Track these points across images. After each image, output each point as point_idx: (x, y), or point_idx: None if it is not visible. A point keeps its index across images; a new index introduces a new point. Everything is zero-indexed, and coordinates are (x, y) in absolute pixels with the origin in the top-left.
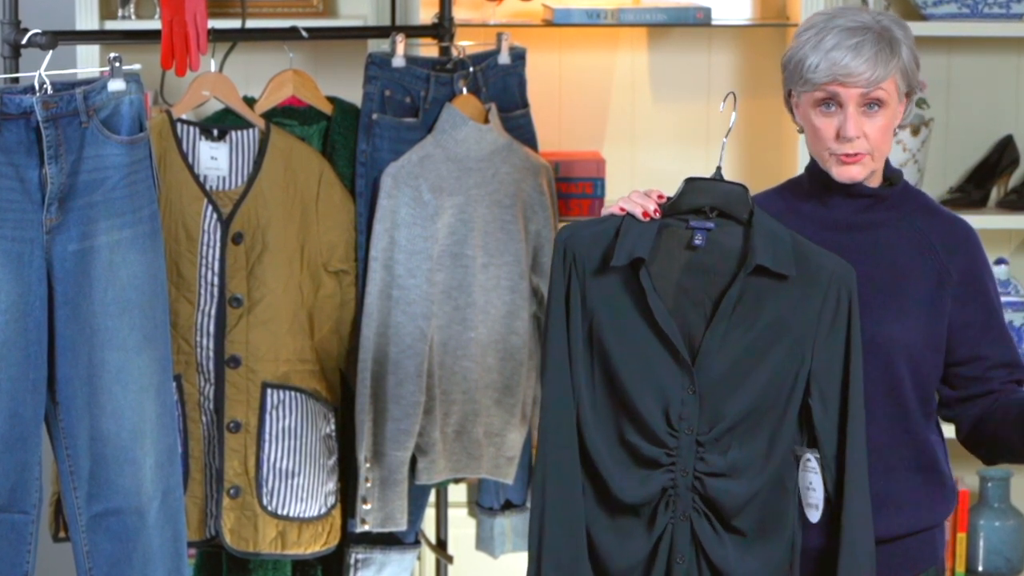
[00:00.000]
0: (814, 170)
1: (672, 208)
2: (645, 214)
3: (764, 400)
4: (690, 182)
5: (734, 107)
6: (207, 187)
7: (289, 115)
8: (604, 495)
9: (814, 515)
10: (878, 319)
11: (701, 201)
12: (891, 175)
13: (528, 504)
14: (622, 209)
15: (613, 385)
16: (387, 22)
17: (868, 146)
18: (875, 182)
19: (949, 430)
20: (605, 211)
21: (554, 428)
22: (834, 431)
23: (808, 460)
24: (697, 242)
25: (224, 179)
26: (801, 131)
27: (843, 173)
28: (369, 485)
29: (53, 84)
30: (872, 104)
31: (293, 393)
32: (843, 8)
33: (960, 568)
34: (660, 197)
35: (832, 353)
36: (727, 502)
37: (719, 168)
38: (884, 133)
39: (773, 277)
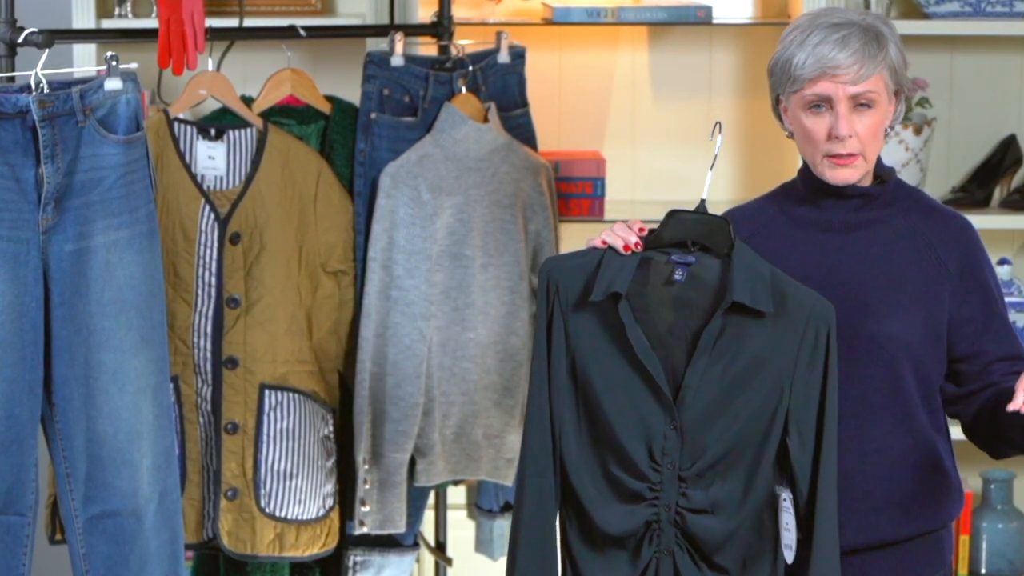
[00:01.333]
0: (806, 173)
1: (655, 241)
2: (626, 247)
3: (744, 436)
4: (673, 215)
5: (720, 134)
6: (204, 187)
7: (287, 114)
8: (589, 527)
9: (789, 555)
10: (877, 317)
11: (683, 235)
12: (883, 173)
13: None
14: (604, 242)
15: (596, 418)
16: (386, 21)
17: (860, 146)
18: (867, 181)
19: (956, 432)
20: (588, 244)
21: (532, 458)
22: (809, 469)
23: (784, 500)
24: (677, 277)
25: (221, 179)
26: (791, 136)
27: (836, 176)
28: (368, 487)
29: (49, 83)
30: (862, 104)
31: (291, 394)
32: (827, 8)
33: (963, 570)
34: (642, 230)
35: (810, 390)
36: (707, 539)
37: (703, 201)
38: (875, 133)
39: (752, 313)
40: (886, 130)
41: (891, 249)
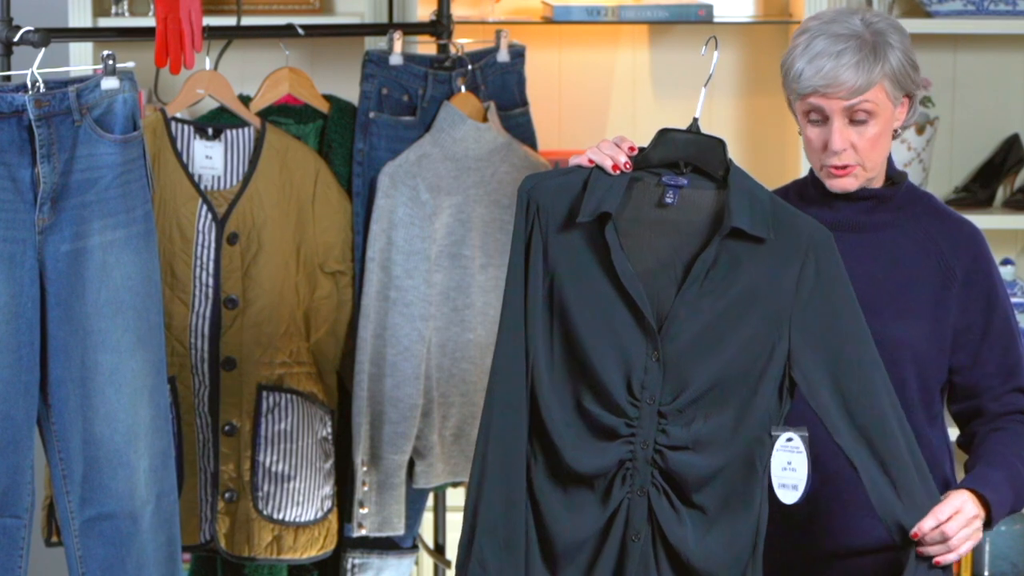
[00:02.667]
0: (816, 174)
1: (643, 161)
2: (615, 167)
3: (733, 371)
4: (664, 133)
5: (716, 48)
6: (202, 187)
7: (285, 113)
8: (556, 465)
9: (790, 496)
10: (883, 320)
11: (675, 155)
12: (894, 175)
13: None
14: (591, 160)
15: (572, 348)
16: (384, 19)
17: (857, 157)
18: (878, 183)
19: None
20: (572, 161)
21: (501, 391)
22: (833, 408)
23: (790, 439)
24: (668, 200)
25: (219, 178)
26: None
27: (835, 185)
28: (366, 489)
29: (46, 82)
30: (859, 116)
31: (289, 396)
32: (840, 11)
33: (966, 573)
34: (631, 149)
35: (813, 324)
36: (689, 476)
37: (696, 120)
38: (875, 143)
39: (749, 240)
40: (896, 131)
41: (901, 252)
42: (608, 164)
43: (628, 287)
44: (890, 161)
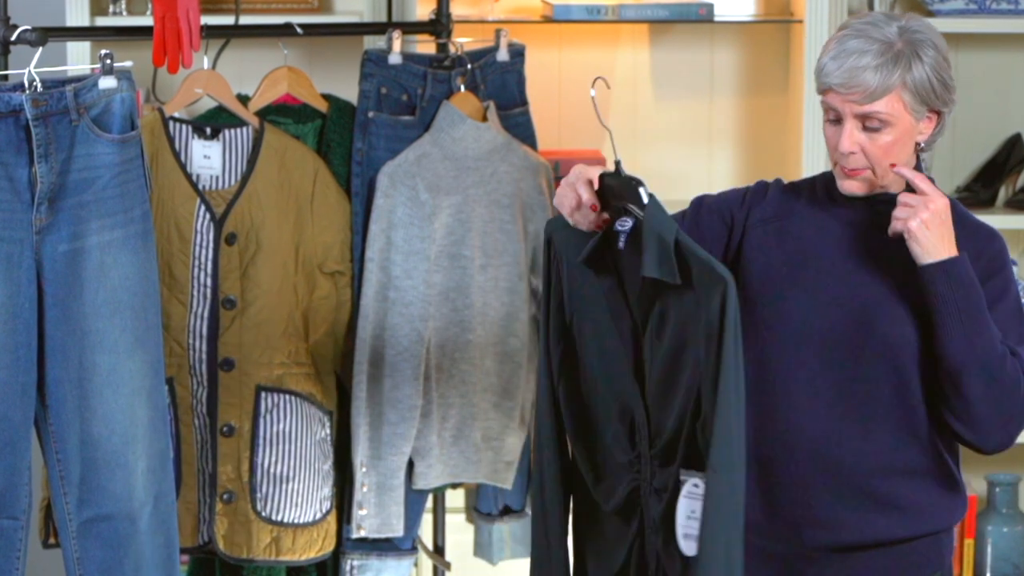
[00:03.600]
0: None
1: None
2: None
3: (681, 416)
4: (602, 178)
5: (594, 89)
6: (200, 186)
7: (284, 113)
8: (589, 502)
9: (693, 548)
10: (892, 319)
11: (617, 198)
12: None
13: (527, 509)
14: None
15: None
16: (383, 18)
17: (866, 161)
18: (897, 188)
19: None
20: (574, 171)
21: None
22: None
23: (696, 485)
24: (620, 245)
25: (217, 178)
26: None
27: (844, 186)
28: (365, 490)
29: (43, 81)
30: (872, 123)
31: (287, 396)
32: (882, 15)
33: (968, 574)
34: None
35: (708, 370)
36: (668, 520)
37: (617, 162)
38: (887, 151)
39: (669, 286)
40: (919, 144)
41: (906, 254)
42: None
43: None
44: (919, 165)
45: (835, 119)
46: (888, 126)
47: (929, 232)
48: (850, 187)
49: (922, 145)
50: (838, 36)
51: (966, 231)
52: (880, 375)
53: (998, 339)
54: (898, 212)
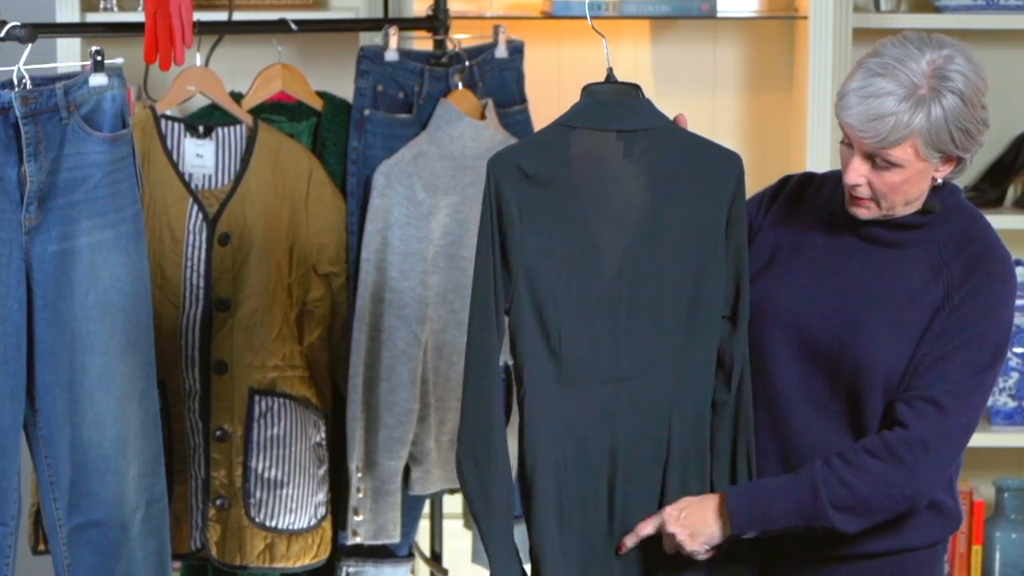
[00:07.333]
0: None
1: None
2: None
3: None
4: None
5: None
6: (192, 186)
7: (278, 111)
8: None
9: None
10: (865, 340)
11: None
12: (928, 204)
13: None
14: None
15: None
16: (379, 14)
17: (871, 193)
18: (913, 208)
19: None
20: None
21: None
22: None
23: None
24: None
25: (210, 177)
26: None
27: (851, 210)
28: (361, 496)
29: (32, 79)
30: (880, 163)
31: (281, 400)
32: (919, 42)
33: None
34: None
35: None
36: None
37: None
38: (894, 189)
39: None
40: (936, 179)
41: (910, 274)
42: None
43: None
44: (936, 188)
45: (848, 143)
46: (897, 168)
47: (698, 534)
48: (856, 212)
49: (937, 180)
50: (867, 63)
51: (965, 255)
52: (841, 392)
53: (807, 488)
54: (667, 545)
